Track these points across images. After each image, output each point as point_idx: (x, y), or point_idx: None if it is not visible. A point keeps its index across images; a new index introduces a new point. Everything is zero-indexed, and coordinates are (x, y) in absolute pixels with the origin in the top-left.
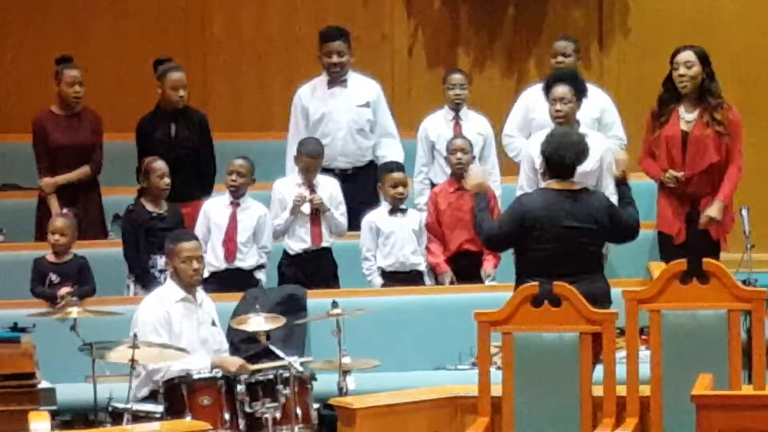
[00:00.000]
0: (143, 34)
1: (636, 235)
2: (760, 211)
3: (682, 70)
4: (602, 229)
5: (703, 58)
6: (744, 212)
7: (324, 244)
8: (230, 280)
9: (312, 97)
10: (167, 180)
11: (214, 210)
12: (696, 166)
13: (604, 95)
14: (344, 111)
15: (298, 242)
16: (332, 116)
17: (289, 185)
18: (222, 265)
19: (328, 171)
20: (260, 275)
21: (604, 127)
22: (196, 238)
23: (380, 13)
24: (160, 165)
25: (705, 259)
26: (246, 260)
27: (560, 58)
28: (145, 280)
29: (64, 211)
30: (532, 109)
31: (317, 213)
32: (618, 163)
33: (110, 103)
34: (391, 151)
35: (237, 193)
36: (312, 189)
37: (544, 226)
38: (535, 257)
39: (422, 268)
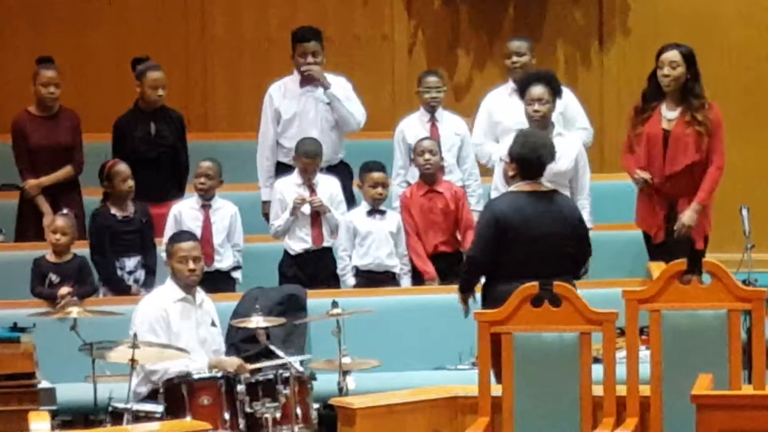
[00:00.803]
0: (143, 34)
1: (578, 271)
2: (760, 211)
3: (666, 70)
4: (575, 232)
5: (689, 58)
6: (744, 212)
7: (324, 244)
8: (208, 282)
9: (284, 97)
10: (131, 183)
11: (185, 214)
12: (675, 166)
13: (566, 90)
14: (317, 110)
15: (299, 242)
16: (304, 115)
17: (289, 185)
18: None
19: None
20: (237, 275)
21: (568, 121)
22: (194, 239)
23: (380, 13)
24: (123, 168)
25: (705, 259)
26: (223, 261)
27: (515, 58)
28: (113, 283)
29: (64, 210)
30: (494, 112)
31: (317, 213)
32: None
33: (110, 104)
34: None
35: (206, 195)
36: (312, 189)
37: (520, 230)
38: (511, 259)
39: (397, 270)
